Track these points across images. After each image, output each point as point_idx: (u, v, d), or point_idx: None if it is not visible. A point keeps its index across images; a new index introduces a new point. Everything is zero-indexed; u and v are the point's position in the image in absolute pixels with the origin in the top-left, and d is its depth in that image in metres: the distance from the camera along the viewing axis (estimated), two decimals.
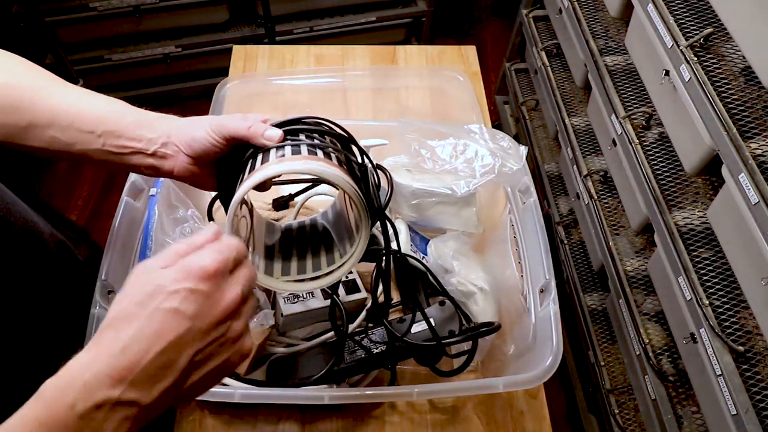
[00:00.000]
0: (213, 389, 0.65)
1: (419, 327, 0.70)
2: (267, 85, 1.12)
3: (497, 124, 2.02)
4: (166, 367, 0.36)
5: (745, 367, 0.80)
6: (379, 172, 0.79)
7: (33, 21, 1.80)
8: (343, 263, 0.55)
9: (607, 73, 1.15)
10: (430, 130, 0.84)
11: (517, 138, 1.81)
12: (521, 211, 0.79)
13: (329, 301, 0.72)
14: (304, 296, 0.75)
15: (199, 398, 0.66)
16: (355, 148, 0.58)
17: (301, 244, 0.60)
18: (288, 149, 0.51)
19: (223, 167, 0.56)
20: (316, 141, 0.53)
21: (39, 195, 0.75)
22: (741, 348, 0.80)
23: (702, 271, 0.88)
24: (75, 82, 1.96)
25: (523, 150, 0.80)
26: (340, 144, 0.56)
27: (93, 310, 0.65)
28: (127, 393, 0.34)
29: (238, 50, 1.22)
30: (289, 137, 0.53)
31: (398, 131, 0.84)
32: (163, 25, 1.97)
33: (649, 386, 1.03)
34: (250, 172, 0.49)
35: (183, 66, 2.10)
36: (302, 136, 0.53)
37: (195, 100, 2.20)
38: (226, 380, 0.68)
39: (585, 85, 1.33)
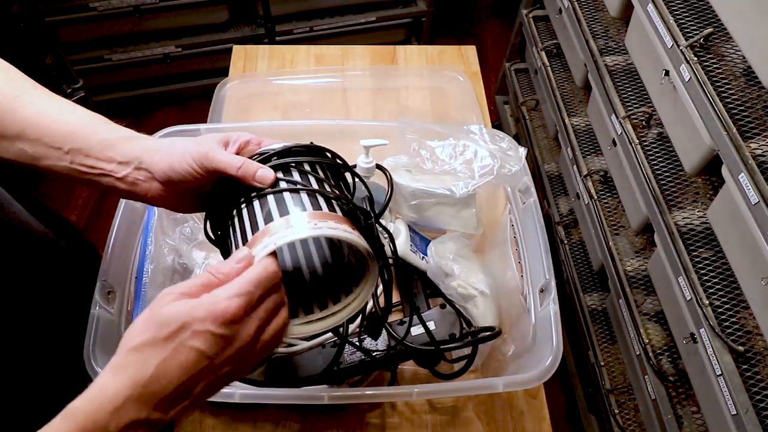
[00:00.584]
0: None
1: (419, 329, 0.70)
2: (267, 85, 1.12)
3: (497, 124, 2.02)
4: (186, 394, 0.40)
5: (745, 367, 0.80)
6: (379, 172, 0.79)
7: (33, 21, 1.80)
8: (349, 303, 0.52)
9: (607, 73, 1.15)
10: (430, 130, 0.84)
11: (517, 138, 1.81)
12: (521, 211, 0.79)
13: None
14: None
15: None
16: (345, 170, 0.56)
17: (300, 282, 0.56)
18: (288, 197, 0.48)
19: (209, 199, 0.53)
20: (311, 180, 0.50)
21: (37, 195, 0.75)
22: (741, 348, 0.80)
23: (702, 271, 0.88)
24: (75, 82, 1.96)
25: (523, 151, 0.80)
26: (331, 172, 0.54)
27: (93, 310, 0.65)
28: (152, 414, 0.39)
29: (238, 50, 1.22)
30: (280, 173, 0.50)
31: (398, 131, 0.84)
32: (163, 25, 1.97)
33: (649, 386, 1.03)
34: (252, 231, 0.47)
35: (183, 66, 2.10)
36: (295, 174, 0.50)
37: (195, 100, 2.20)
38: None
39: (585, 85, 1.33)
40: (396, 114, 1.10)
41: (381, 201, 0.73)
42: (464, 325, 0.71)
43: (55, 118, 0.51)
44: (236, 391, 0.63)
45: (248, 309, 0.42)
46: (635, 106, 1.09)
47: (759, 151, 0.75)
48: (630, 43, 1.09)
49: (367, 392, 0.68)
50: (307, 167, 0.51)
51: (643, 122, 1.06)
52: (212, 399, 0.63)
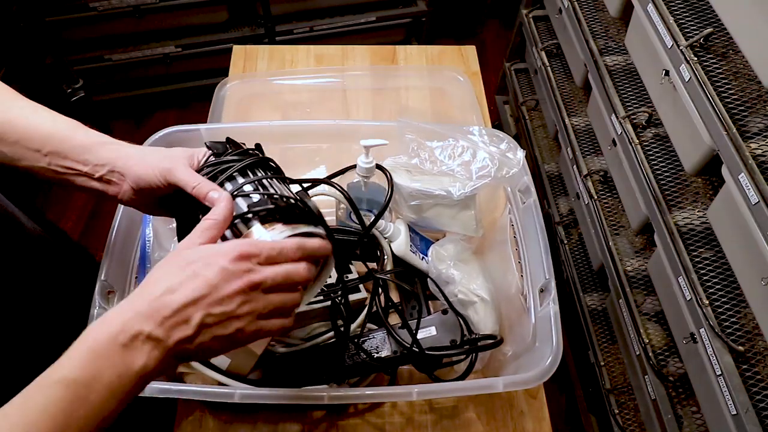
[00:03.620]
0: (212, 389, 0.65)
1: (420, 334, 0.70)
2: (267, 85, 1.12)
3: (497, 124, 2.02)
4: (185, 320, 0.43)
5: (745, 367, 0.80)
6: (379, 172, 0.79)
7: (33, 21, 1.80)
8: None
9: (607, 73, 1.14)
10: (430, 130, 0.84)
11: (517, 138, 1.81)
12: (521, 211, 0.79)
13: (329, 300, 0.72)
14: None
15: (198, 398, 0.66)
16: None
17: None
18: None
19: (172, 204, 0.58)
20: (256, 198, 0.53)
21: (36, 194, 0.77)
22: (741, 348, 0.80)
23: (702, 271, 0.88)
24: (75, 82, 1.96)
25: (521, 154, 0.80)
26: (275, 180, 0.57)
27: (93, 310, 0.65)
28: (156, 330, 0.42)
29: (238, 50, 1.22)
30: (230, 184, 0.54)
31: (398, 131, 0.84)
32: (163, 25, 1.97)
33: (649, 386, 1.03)
34: None
35: (183, 66, 2.10)
36: (240, 181, 0.54)
37: (195, 101, 2.20)
38: (226, 380, 0.68)
39: (585, 85, 1.33)
40: (396, 114, 1.10)
41: (381, 201, 0.73)
42: (465, 332, 0.72)
43: (33, 121, 0.55)
44: (236, 391, 0.63)
45: (258, 257, 0.45)
46: (635, 106, 1.09)
47: (759, 151, 0.75)
48: (630, 43, 1.09)
49: (367, 392, 0.68)
50: (258, 186, 0.55)
51: (643, 122, 1.06)
52: (211, 399, 0.64)
